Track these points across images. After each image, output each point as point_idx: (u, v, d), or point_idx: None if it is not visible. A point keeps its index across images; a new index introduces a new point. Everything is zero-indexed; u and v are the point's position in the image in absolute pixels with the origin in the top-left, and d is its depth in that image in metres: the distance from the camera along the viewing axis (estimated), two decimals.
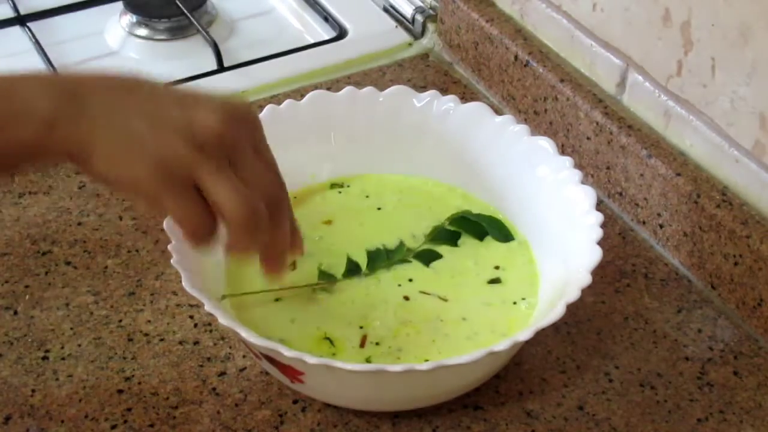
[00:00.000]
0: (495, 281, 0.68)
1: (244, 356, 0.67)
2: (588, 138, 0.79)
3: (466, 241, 0.71)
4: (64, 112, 0.51)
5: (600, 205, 0.68)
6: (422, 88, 0.76)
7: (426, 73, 0.92)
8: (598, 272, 0.62)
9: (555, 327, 0.64)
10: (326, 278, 0.68)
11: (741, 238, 0.68)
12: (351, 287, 0.67)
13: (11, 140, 0.51)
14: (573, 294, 0.59)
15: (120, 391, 0.65)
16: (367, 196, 0.74)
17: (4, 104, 0.51)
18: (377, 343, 0.64)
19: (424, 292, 0.67)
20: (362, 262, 0.69)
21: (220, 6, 1.02)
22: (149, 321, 0.69)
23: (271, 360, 0.60)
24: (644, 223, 0.76)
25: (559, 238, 0.67)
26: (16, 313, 0.69)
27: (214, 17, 1.00)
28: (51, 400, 0.64)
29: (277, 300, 0.66)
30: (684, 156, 0.74)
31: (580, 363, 0.67)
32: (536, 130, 0.84)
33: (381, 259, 0.69)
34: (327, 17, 1.00)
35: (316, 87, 0.87)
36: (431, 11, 0.96)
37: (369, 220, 0.72)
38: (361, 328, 0.65)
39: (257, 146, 0.57)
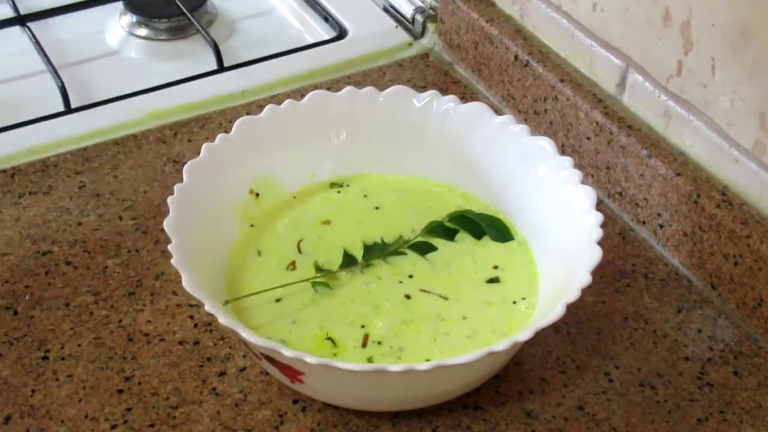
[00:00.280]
0: (494, 281, 0.68)
1: (244, 356, 0.67)
2: (588, 138, 0.79)
3: (464, 238, 0.71)
4: None
5: (600, 205, 0.68)
6: (422, 88, 0.76)
7: (426, 73, 0.92)
8: (598, 272, 0.62)
9: (555, 327, 0.64)
10: (323, 272, 0.68)
11: (741, 238, 0.68)
12: (351, 285, 0.67)
13: None
14: (573, 294, 0.59)
15: (120, 391, 0.65)
16: (365, 196, 0.74)
17: None
18: (379, 343, 0.64)
19: (425, 290, 0.67)
20: (359, 255, 0.69)
21: (220, 6, 1.02)
22: (149, 321, 0.69)
23: (271, 360, 0.60)
24: (644, 223, 0.76)
25: (559, 238, 0.67)
26: (16, 313, 0.69)
27: (214, 17, 1.00)
28: (51, 400, 0.64)
29: (277, 300, 0.66)
30: (684, 156, 0.74)
31: (580, 363, 0.67)
32: (536, 130, 0.84)
33: (377, 250, 0.69)
34: (327, 17, 1.00)
35: (316, 87, 0.87)
36: (431, 11, 0.96)
37: (368, 219, 0.72)
38: (362, 327, 0.65)
39: None
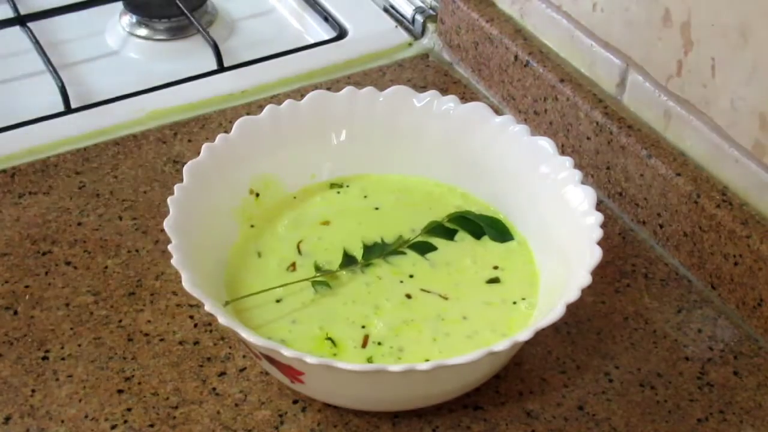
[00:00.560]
0: (494, 281, 0.68)
1: (244, 356, 0.67)
2: (588, 138, 0.79)
3: (464, 238, 0.71)
4: None
5: (600, 205, 0.68)
6: (422, 88, 0.76)
7: (426, 73, 0.92)
8: (598, 272, 0.62)
9: (555, 327, 0.64)
10: (323, 272, 0.68)
11: (741, 238, 0.68)
12: (351, 285, 0.67)
13: None
14: (573, 294, 0.59)
15: (120, 391, 0.65)
16: (365, 196, 0.74)
17: None
18: (379, 343, 0.64)
19: (425, 290, 0.67)
20: (359, 256, 0.69)
21: (220, 6, 1.02)
22: (149, 321, 0.69)
23: (271, 360, 0.60)
24: (644, 223, 0.76)
25: (559, 238, 0.67)
26: (16, 313, 0.69)
27: (214, 17, 1.00)
28: (51, 400, 0.64)
29: (278, 301, 0.66)
30: (684, 156, 0.74)
31: (580, 363, 0.67)
32: (536, 130, 0.84)
33: (377, 250, 0.69)
34: (327, 17, 1.00)
35: (316, 87, 0.87)
36: (431, 11, 0.96)
37: (368, 220, 0.72)
38: (363, 327, 0.65)
39: None
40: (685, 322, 0.70)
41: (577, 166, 0.69)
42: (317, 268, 0.68)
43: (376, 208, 0.73)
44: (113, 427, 0.63)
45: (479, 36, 0.89)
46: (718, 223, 0.70)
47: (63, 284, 0.71)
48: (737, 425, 0.64)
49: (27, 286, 0.71)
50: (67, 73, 0.91)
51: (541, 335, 0.59)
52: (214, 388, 0.65)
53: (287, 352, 0.57)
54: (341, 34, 0.97)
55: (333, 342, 0.64)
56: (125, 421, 0.63)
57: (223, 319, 0.57)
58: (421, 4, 0.97)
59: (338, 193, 0.74)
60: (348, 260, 0.69)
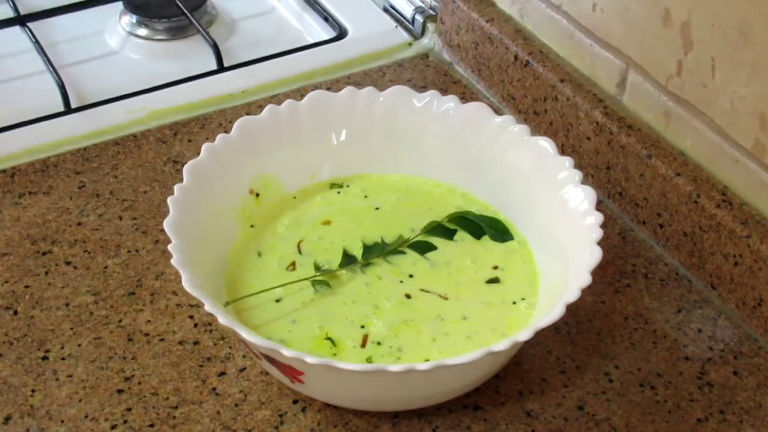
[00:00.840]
0: (494, 281, 0.68)
1: (244, 356, 0.67)
2: (588, 138, 0.79)
3: (464, 238, 0.71)
4: None
5: (600, 205, 0.68)
6: (422, 88, 0.76)
7: (426, 73, 0.92)
8: (598, 272, 0.62)
9: (555, 327, 0.64)
10: (323, 271, 0.68)
11: (741, 238, 0.68)
12: (351, 285, 0.67)
13: None
14: (573, 294, 0.59)
15: (120, 391, 0.65)
16: (365, 196, 0.74)
17: None
18: (379, 343, 0.64)
19: (425, 290, 0.67)
20: (359, 255, 0.69)
21: (220, 6, 1.02)
22: (149, 321, 0.69)
23: (271, 360, 0.60)
24: (644, 223, 0.76)
25: (559, 238, 0.67)
26: (16, 313, 0.69)
27: (214, 17, 1.00)
28: (51, 400, 0.64)
29: (277, 301, 0.66)
30: (684, 156, 0.74)
31: (580, 363, 0.67)
32: (536, 130, 0.84)
33: (377, 249, 0.69)
34: (327, 17, 1.00)
35: (316, 87, 0.87)
36: (431, 11, 0.96)
37: (368, 220, 0.72)
38: (362, 327, 0.65)
39: None
40: (685, 322, 0.70)
41: (577, 166, 0.69)
42: (317, 268, 0.68)
43: (377, 208, 0.73)
44: (113, 427, 0.63)
45: (479, 36, 0.89)
46: (718, 223, 0.70)
47: (63, 284, 0.71)
48: (737, 425, 0.64)
49: (27, 286, 0.71)
50: (67, 73, 0.91)
51: (541, 335, 0.59)
52: (214, 388, 0.65)
53: (287, 352, 0.57)
54: (341, 34, 0.97)
55: (333, 342, 0.64)
56: (125, 421, 0.63)
57: (223, 319, 0.57)
58: (421, 4, 0.97)
59: (338, 193, 0.74)
60: (348, 260, 0.69)
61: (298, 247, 0.70)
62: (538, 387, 0.65)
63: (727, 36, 0.67)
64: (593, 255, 0.62)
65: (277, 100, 0.86)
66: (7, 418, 0.63)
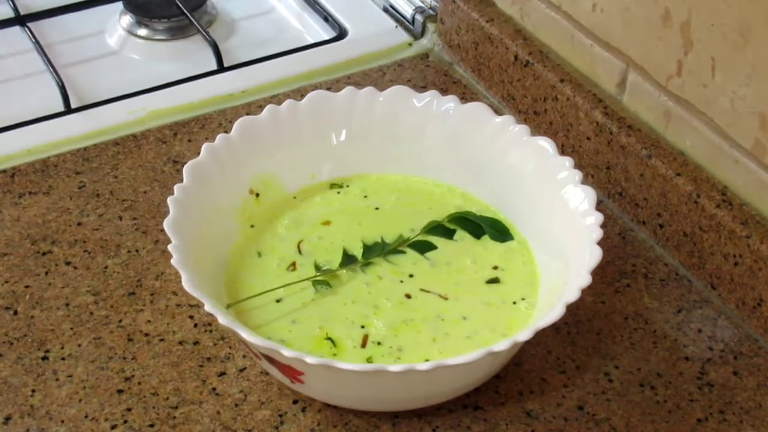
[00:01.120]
0: (494, 281, 0.68)
1: (244, 356, 0.67)
2: (588, 138, 0.79)
3: (464, 238, 0.71)
4: None
5: (600, 205, 0.68)
6: (422, 88, 0.76)
7: (426, 73, 0.92)
8: (598, 272, 0.62)
9: (555, 327, 0.64)
10: (323, 271, 0.68)
11: (741, 238, 0.68)
12: (351, 285, 0.67)
13: None
14: (573, 294, 0.59)
15: (120, 391, 0.65)
16: (365, 196, 0.74)
17: None
18: (379, 343, 0.64)
19: (425, 290, 0.67)
20: (359, 255, 0.69)
21: (220, 6, 1.02)
22: (149, 321, 0.69)
23: (271, 360, 0.60)
24: (644, 223, 0.76)
25: (559, 238, 0.67)
26: (16, 313, 0.69)
27: (214, 17, 1.00)
28: (51, 400, 0.64)
29: (278, 301, 0.66)
30: (684, 156, 0.74)
31: (580, 363, 0.67)
32: (536, 130, 0.84)
33: (377, 249, 0.69)
34: (327, 17, 1.00)
35: (316, 87, 0.87)
36: (431, 11, 0.96)
37: (368, 220, 0.72)
38: (362, 327, 0.65)
39: None
40: (685, 322, 0.70)
41: (577, 166, 0.69)
42: (317, 268, 0.68)
43: (376, 208, 0.73)
44: (113, 427, 0.63)
45: (479, 36, 0.89)
46: (718, 223, 0.70)
47: (63, 284, 0.71)
48: (737, 425, 0.64)
49: (27, 286, 0.71)
50: (67, 73, 0.91)
51: (541, 335, 0.59)
52: (214, 388, 0.65)
53: (287, 352, 0.57)
54: (341, 34, 0.97)
55: (333, 342, 0.64)
56: (125, 421, 0.63)
57: (222, 319, 0.57)
58: (421, 4, 0.97)
59: (338, 193, 0.74)
60: (348, 259, 0.69)
61: (298, 247, 0.70)
62: (538, 387, 0.65)
63: (727, 36, 0.67)
64: (593, 255, 0.62)
65: (277, 100, 0.86)
66: (7, 418, 0.63)
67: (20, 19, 0.98)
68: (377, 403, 0.63)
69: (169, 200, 0.64)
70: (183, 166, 0.67)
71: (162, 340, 0.68)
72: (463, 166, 0.74)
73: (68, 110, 0.87)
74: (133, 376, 0.65)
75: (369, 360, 0.63)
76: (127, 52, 0.98)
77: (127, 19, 0.99)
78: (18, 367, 0.66)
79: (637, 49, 0.76)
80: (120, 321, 0.69)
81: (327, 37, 0.97)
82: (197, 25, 0.96)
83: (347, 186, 0.75)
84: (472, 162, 0.73)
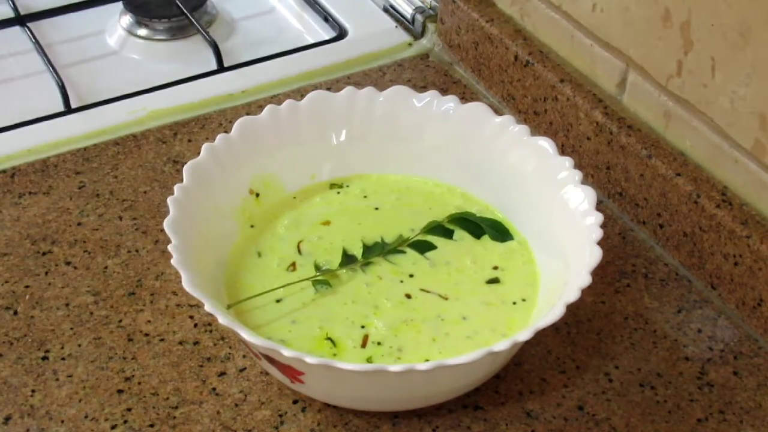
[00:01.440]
0: (494, 281, 0.68)
1: (244, 356, 0.67)
2: (588, 138, 0.79)
3: (464, 237, 0.71)
4: None
5: (600, 205, 0.68)
6: (422, 88, 0.76)
7: (426, 73, 0.92)
8: (598, 272, 0.62)
9: (555, 327, 0.64)
10: (323, 271, 0.68)
11: (741, 238, 0.68)
12: (351, 285, 0.67)
13: None
14: (573, 294, 0.59)
15: (120, 391, 0.65)
16: (365, 197, 0.74)
17: None
18: (379, 343, 0.64)
19: (425, 290, 0.67)
20: (359, 255, 0.69)
21: (220, 6, 1.02)
22: (149, 321, 0.69)
23: (271, 360, 0.60)
24: (644, 223, 0.76)
25: (559, 238, 0.67)
26: (16, 313, 0.69)
27: (214, 17, 1.00)
28: (51, 400, 0.64)
29: (278, 301, 0.66)
30: (684, 156, 0.74)
31: (580, 363, 0.67)
32: (536, 130, 0.84)
33: (377, 249, 0.69)
34: (327, 17, 1.00)
35: (316, 87, 0.87)
36: (431, 11, 0.96)
37: (368, 220, 0.72)
38: (362, 327, 0.65)
39: None
40: (685, 322, 0.70)
41: (577, 166, 0.69)
42: (317, 268, 0.68)
43: (376, 208, 0.73)
44: (113, 427, 0.63)
45: (479, 36, 0.89)
46: (718, 223, 0.70)
47: (63, 284, 0.71)
48: (737, 425, 0.64)
49: (27, 286, 0.71)
50: (67, 73, 0.91)
51: (541, 335, 0.59)
52: (214, 388, 0.65)
53: (287, 352, 0.57)
54: (341, 34, 0.97)
55: (333, 342, 0.64)
56: (125, 421, 0.63)
57: (222, 319, 0.57)
58: (421, 4, 0.97)
59: (338, 193, 0.74)
60: (348, 259, 0.69)
61: (298, 247, 0.70)
62: (538, 387, 0.66)
63: (727, 36, 0.67)
64: (593, 255, 0.62)
65: (277, 100, 0.86)
66: (7, 418, 0.63)
67: (20, 19, 0.98)
68: (377, 403, 0.63)
69: (169, 200, 0.64)
70: (183, 166, 0.67)
71: (162, 340, 0.68)
72: (463, 166, 0.74)
73: (68, 110, 0.87)
74: (133, 376, 0.65)
75: (369, 360, 0.63)
76: (127, 52, 0.98)
77: (127, 19, 0.99)
78: (18, 367, 0.66)
79: (637, 49, 0.76)
80: (120, 321, 0.69)
81: (327, 37, 0.97)
82: (197, 25, 0.96)
83: (347, 186, 0.75)
84: (472, 162, 0.73)
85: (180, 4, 0.97)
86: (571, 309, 0.59)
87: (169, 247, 0.61)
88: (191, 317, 0.69)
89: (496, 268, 0.69)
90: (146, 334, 0.68)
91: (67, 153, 0.82)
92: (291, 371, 0.60)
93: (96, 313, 0.69)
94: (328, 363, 0.56)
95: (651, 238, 0.76)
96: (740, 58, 0.67)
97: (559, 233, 0.67)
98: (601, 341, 0.69)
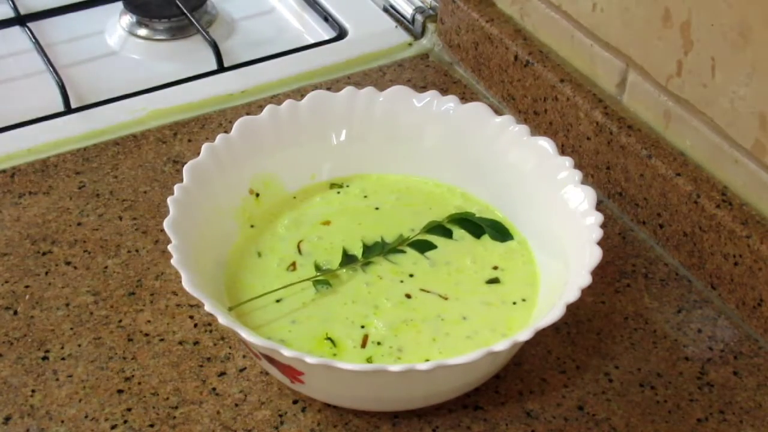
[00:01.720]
0: (494, 281, 0.68)
1: (244, 356, 0.67)
2: (588, 138, 0.79)
3: (464, 237, 0.71)
4: None
5: (600, 205, 0.68)
6: (422, 88, 0.76)
7: (426, 73, 0.92)
8: (598, 272, 0.62)
9: (555, 327, 0.64)
10: (323, 271, 0.68)
11: (741, 238, 0.68)
12: (351, 285, 0.67)
13: None
14: (573, 294, 0.59)
15: (120, 391, 0.65)
16: (365, 197, 0.74)
17: None
18: (379, 343, 0.64)
19: (425, 290, 0.67)
20: (359, 255, 0.69)
21: (220, 6, 1.02)
22: (149, 321, 0.69)
23: (271, 360, 0.60)
24: (644, 223, 0.76)
25: (559, 238, 0.67)
26: (16, 313, 0.69)
27: (214, 17, 1.00)
28: (51, 400, 0.64)
29: (278, 301, 0.66)
30: (684, 156, 0.74)
31: (580, 363, 0.67)
32: (536, 130, 0.84)
33: (377, 248, 0.69)
34: (327, 17, 1.00)
35: (316, 87, 0.87)
36: (431, 11, 0.96)
37: (368, 220, 0.72)
38: (362, 327, 0.65)
39: None
40: (685, 322, 0.70)
41: (577, 166, 0.69)
42: (317, 268, 0.68)
43: (376, 208, 0.73)
44: (113, 427, 0.63)
45: (479, 36, 0.89)
46: (718, 223, 0.70)
47: (63, 284, 0.71)
48: (737, 425, 0.64)
49: (27, 286, 0.71)
50: (67, 73, 0.91)
51: (541, 335, 0.59)
52: (214, 388, 0.65)
53: (287, 352, 0.57)
54: (341, 34, 0.97)
55: (333, 342, 0.64)
56: (125, 421, 0.63)
57: (223, 319, 0.57)
58: (421, 4, 0.97)
59: (338, 193, 0.74)
60: (348, 259, 0.69)
61: (298, 247, 0.70)
62: (538, 387, 0.65)
63: (727, 36, 0.67)
64: (593, 255, 0.62)
65: (277, 100, 0.86)
66: (7, 418, 0.63)
67: (20, 19, 0.98)
68: (377, 403, 0.63)
69: (169, 200, 0.64)
70: (183, 166, 0.67)
71: (162, 340, 0.68)
72: (463, 166, 0.74)
73: (68, 110, 0.87)
74: (133, 376, 0.65)
75: (369, 360, 0.63)
76: (127, 52, 0.98)
77: (127, 19, 0.99)
78: (18, 367, 0.66)
79: (637, 49, 0.76)
80: (120, 321, 0.69)
81: (327, 37, 0.97)
82: (197, 25, 0.96)
83: (347, 186, 0.75)
84: (472, 162, 0.73)
85: (180, 4, 0.97)
86: (571, 309, 0.59)
87: (169, 247, 0.61)
88: (191, 317, 0.69)
89: (496, 268, 0.69)
90: (146, 334, 0.68)
91: (67, 153, 0.82)
92: (291, 371, 0.60)
93: (96, 313, 0.69)
94: (328, 363, 0.56)
95: (651, 238, 0.76)
96: (740, 58, 0.67)
97: (559, 233, 0.67)
98: (601, 341, 0.69)
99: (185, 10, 0.97)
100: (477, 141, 0.72)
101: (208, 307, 0.58)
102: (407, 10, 0.98)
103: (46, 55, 0.92)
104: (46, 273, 0.72)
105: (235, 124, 0.71)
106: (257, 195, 0.72)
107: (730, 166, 0.71)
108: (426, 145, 0.74)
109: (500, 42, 0.86)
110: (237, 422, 0.63)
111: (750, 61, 0.66)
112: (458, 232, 0.71)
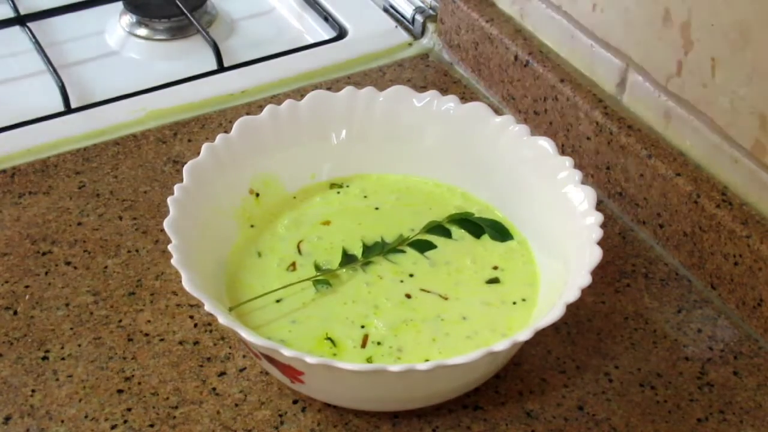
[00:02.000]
0: (494, 281, 0.68)
1: (244, 356, 0.67)
2: (588, 138, 0.79)
3: (464, 237, 0.71)
4: None
5: (600, 205, 0.68)
6: (422, 88, 0.76)
7: (426, 73, 0.92)
8: (598, 272, 0.62)
9: (555, 327, 0.64)
10: (323, 271, 0.68)
11: (741, 238, 0.68)
12: (351, 285, 0.67)
13: None
14: (573, 294, 0.59)
15: (120, 391, 0.65)
16: (365, 197, 0.74)
17: None
18: (379, 343, 0.64)
19: (425, 290, 0.67)
20: (359, 255, 0.69)
21: (220, 6, 1.02)
22: (149, 321, 0.69)
23: (271, 360, 0.60)
24: (644, 223, 0.76)
25: (559, 238, 0.67)
26: (16, 313, 0.69)
27: (214, 17, 1.00)
28: (51, 400, 0.64)
29: (278, 301, 0.66)
30: (684, 156, 0.74)
31: (580, 363, 0.67)
32: (536, 130, 0.84)
33: (377, 248, 0.69)
34: (327, 17, 1.00)
35: (316, 87, 0.87)
36: (431, 11, 0.96)
37: (368, 220, 0.72)
38: (362, 327, 0.65)
39: None
40: (685, 322, 0.70)
41: (577, 166, 0.69)
42: (317, 268, 0.68)
43: (376, 208, 0.73)
44: (113, 427, 0.63)
45: (479, 36, 0.89)
46: (718, 223, 0.70)
47: (63, 284, 0.71)
48: (737, 425, 0.64)
49: (27, 286, 0.71)
50: (67, 73, 0.91)
51: (541, 335, 0.59)
52: (214, 388, 0.65)
53: (287, 352, 0.57)
54: (341, 34, 0.97)
55: (333, 342, 0.64)
56: (125, 421, 0.63)
57: (223, 319, 0.57)
58: (421, 4, 0.97)
59: (338, 193, 0.74)
60: (348, 259, 0.69)
61: (298, 247, 0.70)
62: (538, 387, 0.65)
63: (727, 36, 0.67)
64: (593, 255, 0.62)
65: (277, 100, 0.86)
66: (7, 418, 0.63)
67: (20, 19, 0.98)
68: (377, 403, 0.63)
69: (169, 200, 0.64)
70: (183, 166, 0.67)
71: (162, 340, 0.68)
72: (463, 166, 0.74)
73: (68, 110, 0.87)
74: (133, 376, 0.65)
75: (369, 360, 0.63)
76: (127, 52, 0.98)
77: (127, 19, 0.99)
78: (18, 367, 0.66)
79: (637, 49, 0.76)
80: (120, 321, 0.69)
81: (327, 37, 0.97)
82: (197, 25, 0.96)
83: (347, 186, 0.75)
84: (472, 162, 0.73)
85: (180, 4, 0.97)
86: (571, 309, 0.59)
87: (169, 247, 0.61)
88: (191, 317, 0.69)
89: (496, 268, 0.69)
90: (146, 334, 0.68)
91: (67, 153, 0.82)
92: (291, 371, 0.60)
93: (96, 313, 0.69)
94: (328, 363, 0.56)
95: (651, 238, 0.76)
96: (740, 58, 0.67)
97: (559, 233, 0.67)
98: (601, 341, 0.69)
99: (185, 10, 0.97)
100: (477, 141, 0.72)
101: (208, 307, 0.58)
102: (407, 10, 0.98)
103: (46, 55, 0.92)
104: (46, 273, 0.72)
105: (235, 124, 0.71)
106: (257, 195, 0.72)
107: (730, 166, 0.71)
108: (426, 145, 0.74)
109: (500, 42, 0.86)
110: (237, 422, 0.63)
111: (750, 61, 0.66)
112: (458, 232, 0.71)
